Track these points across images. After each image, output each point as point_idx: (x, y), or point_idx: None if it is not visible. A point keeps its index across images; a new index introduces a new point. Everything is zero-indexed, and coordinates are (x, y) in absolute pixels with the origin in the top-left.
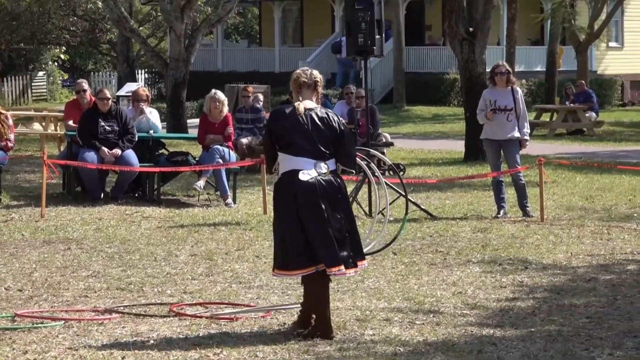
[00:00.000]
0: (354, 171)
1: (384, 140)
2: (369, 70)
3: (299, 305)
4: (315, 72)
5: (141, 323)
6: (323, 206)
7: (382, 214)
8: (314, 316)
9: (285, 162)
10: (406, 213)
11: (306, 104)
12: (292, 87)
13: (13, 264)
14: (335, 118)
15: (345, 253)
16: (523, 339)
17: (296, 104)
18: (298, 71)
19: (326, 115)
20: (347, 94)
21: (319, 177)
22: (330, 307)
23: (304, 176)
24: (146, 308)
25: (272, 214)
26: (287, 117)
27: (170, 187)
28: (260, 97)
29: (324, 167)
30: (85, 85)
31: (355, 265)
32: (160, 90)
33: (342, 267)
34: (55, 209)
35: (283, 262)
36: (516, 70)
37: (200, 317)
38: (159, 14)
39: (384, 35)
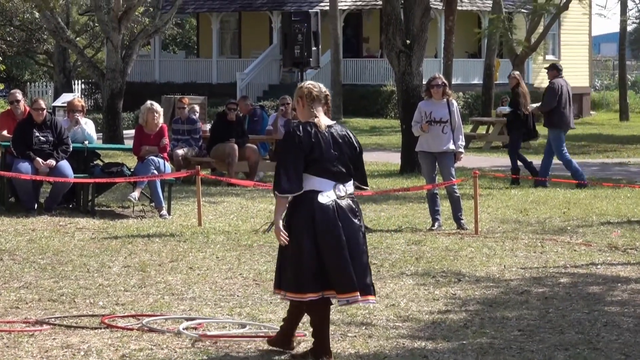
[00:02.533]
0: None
1: None
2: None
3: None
4: (323, 86)
5: (72, 335)
6: (341, 231)
7: None
8: (310, 338)
9: (306, 182)
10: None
11: (326, 121)
12: (300, 101)
13: None
14: (353, 136)
15: (366, 280)
16: (455, 352)
17: (315, 120)
18: (308, 84)
19: (346, 133)
20: (284, 104)
21: (338, 201)
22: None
23: (323, 199)
24: (78, 320)
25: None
26: (309, 135)
27: (105, 198)
28: (197, 108)
29: (342, 190)
30: (19, 96)
31: (374, 293)
32: (97, 101)
33: (358, 294)
34: None
35: (297, 285)
36: (453, 82)
37: (132, 329)
38: (96, 24)
39: (320, 47)
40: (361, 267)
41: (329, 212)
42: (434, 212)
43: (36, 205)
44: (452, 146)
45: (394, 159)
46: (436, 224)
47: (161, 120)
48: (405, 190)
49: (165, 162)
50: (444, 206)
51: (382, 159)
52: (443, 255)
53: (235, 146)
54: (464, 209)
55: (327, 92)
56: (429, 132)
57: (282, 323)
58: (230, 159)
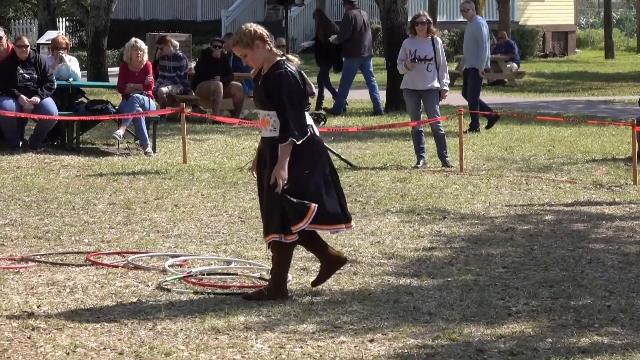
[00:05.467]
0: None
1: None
2: (290, 19)
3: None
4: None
5: (58, 272)
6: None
7: None
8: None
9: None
10: None
11: (295, 58)
12: (259, 43)
13: None
14: None
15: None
16: (439, 289)
17: (290, 57)
18: (253, 26)
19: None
20: None
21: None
22: None
23: (316, 130)
24: (63, 257)
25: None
26: (298, 74)
27: (90, 136)
28: (176, 44)
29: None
30: (1, 33)
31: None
32: (82, 39)
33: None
34: None
35: (321, 217)
36: (438, 20)
37: (117, 266)
38: None
39: None
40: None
41: (322, 143)
42: (419, 150)
43: (21, 143)
44: (436, 84)
45: (380, 97)
46: (421, 161)
47: (145, 57)
48: (391, 127)
49: (150, 99)
50: (429, 144)
51: (367, 97)
52: (428, 192)
53: (220, 84)
54: (448, 147)
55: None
56: (414, 69)
57: (271, 272)
58: (215, 97)
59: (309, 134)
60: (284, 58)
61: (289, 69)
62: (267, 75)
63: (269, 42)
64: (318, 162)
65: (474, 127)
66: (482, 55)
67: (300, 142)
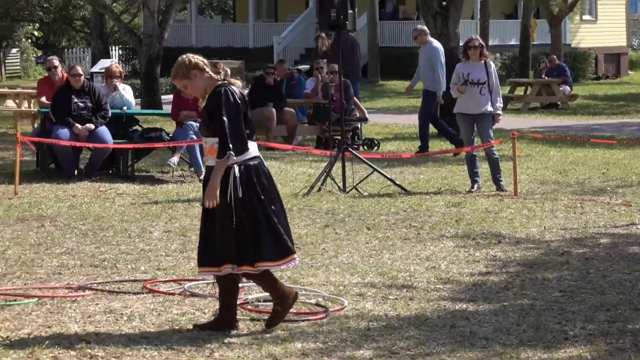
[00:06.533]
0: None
1: (358, 115)
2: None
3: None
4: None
5: (115, 300)
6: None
7: (356, 189)
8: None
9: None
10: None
11: (237, 81)
12: (197, 72)
13: None
14: None
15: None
16: (496, 313)
17: (232, 80)
18: (188, 56)
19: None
20: (317, 68)
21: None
22: None
23: (264, 162)
24: (120, 285)
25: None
26: (240, 96)
27: (144, 164)
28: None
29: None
30: (56, 62)
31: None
32: (135, 67)
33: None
34: (29, 186)
35: (279, 252)
36: (490, 44)
37: (174, 294)
38: None
39: (356, 10)
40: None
41: (269, 175)
42: (473, 174)
43: (76, 172)
44: (490, 108)
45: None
46: (475, 185)
47: None
48: (444, 153)
49: None
50: (483, 168)
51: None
52: (483, 217)
53: (274, 110)
54: (502, 171)
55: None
56: (467, 93)
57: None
58: (268, 123)
59: (248, 151)
60: (225, 82)
61: (229, 88)
62: (208, 98)
63: (207, 70)
64: (258, 194)
65: (423, 149)
66: (436, 79)
67: (237, 157)
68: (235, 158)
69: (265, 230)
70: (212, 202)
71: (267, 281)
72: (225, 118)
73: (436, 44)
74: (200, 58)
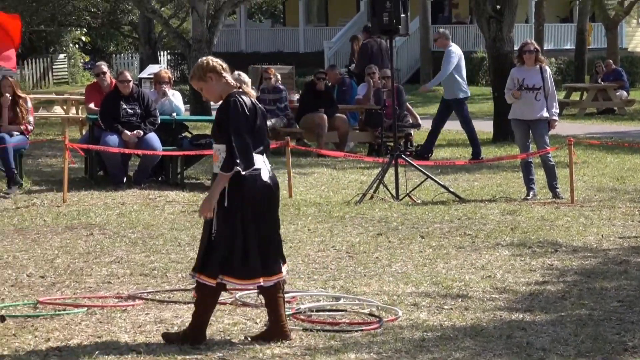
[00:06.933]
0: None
1: (410, 121)
2: (394, 49)
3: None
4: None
5: (165, 309)
6: (276, 207)
7: (410, 196)
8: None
9: None
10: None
11: (251, 91)
12: (213, 76)
13: (35, 250)
14: None
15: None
16: (553, 324)
17: (245, 89)
18: (209, 59)
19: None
20: (369, 74)
21: (270, 175)
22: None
23: (265, 175)
24: (170, 294)
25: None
26: (251, 106)
27: (194, 171)
28: (247, 81)
29: (268, 163)
30: (105, 68)
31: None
32: (183, 72)
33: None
34: (78, 193)
35: (247, 271)
36: (545, 48)
37: (225, 303)
38: None
39: (409, 14)
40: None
41: (269, 189)
42: (529, 181)
43: (125, 179)
44: (545, 113)
45: (486, 128)
46: (531, 193)
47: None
48: (499, 160)
49: None
50: (539, 175)
51: None
52: (539, 225)
53: (325, 116)
54: (559, 178)
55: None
56: (522, 99)
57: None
58: (319, 130)
59: (254, 166)
60: (240, 90)
61: (239, 98)
62: (219, 106)
63: (224, 75)
64: (246, 209)
65: (475, 156)
66: (456, 84)
67: (245, 172)
68: (242, 172)
69: (239, 246)
70: (205, 213)
71: (202, 301)
72: (232, 133)
73: (454, 48)
74: (220, 62)
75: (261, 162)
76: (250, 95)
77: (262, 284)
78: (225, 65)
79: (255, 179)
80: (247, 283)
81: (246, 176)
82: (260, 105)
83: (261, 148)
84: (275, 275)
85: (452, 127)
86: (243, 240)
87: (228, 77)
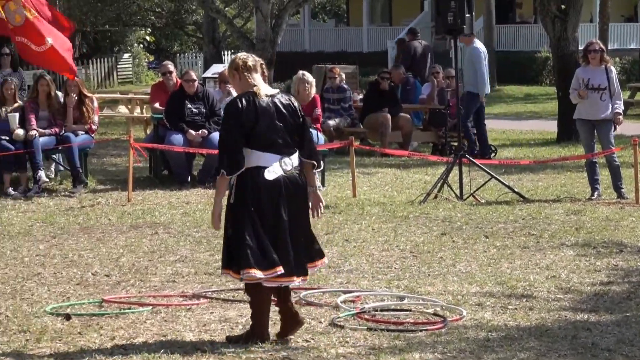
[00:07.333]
0: (316, 164)
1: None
2: (459, 49)
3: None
4: (256, 56)
5: (230, 308)
6: (285, 209)
7: (474, 196)
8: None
9: (250, 157)
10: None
11: (266, 89)
12: (236, 74)
13: (100, 249)
14: (297, 104)
15: (298, 260)
16: (618, 324)
17: (254, 89)
18: (241, 56)
19: (290, 102)
20: (433, 73)
21: (285, 175)
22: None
23: (269, 175)
24: (235, 293)
25: (230, 212)
26: (251, 107)
27: None
28: (343, 76)
29: (289, 164)
30: (171, 67)
31: (305, 273)
32: None
33: (295, 277)
34: (142, 192)
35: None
36: (609, 48)
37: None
38: None
39: (473, 13)
40: (300, 247)
41: (274, 187)
42: (593, 182)
43: (189, 178)
44: (610, 114)
45: (550, 127)
46: (595, 193)
47: (313, 90)
48: (564, 160)
49: (318, 133)
50: (604, 175)
51: (537, 127)
52: (604, 225)
53: (389, 116)
54: (624, 178)
55: (262, 61)
56: (587, 99)
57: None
58: (383, 129)
59: (242, 169)
60: (253, 89)
61: (240, 98)
62: None
63: (245, 73)
64: (248, 208)
65: (485, 153)
66: (479, 80)
67: (229, 176)
68: (228, 177)
69: (251, 237)
70: (215, 226)
71: (255, 301)
72: (221, 133)
73: (479, 45)
74: (246, 59)
75: (266, 160)
76: (259, 95)
77: (282, 272)
78: (252, 63)
79: (256, 178)
80: (269, 273)
81: (247, 175)
82: (283, 103)
83: (270, 147)
84: (283, 277)
85: (516, 127)
86: (254, 234)
87: (250, 75)
